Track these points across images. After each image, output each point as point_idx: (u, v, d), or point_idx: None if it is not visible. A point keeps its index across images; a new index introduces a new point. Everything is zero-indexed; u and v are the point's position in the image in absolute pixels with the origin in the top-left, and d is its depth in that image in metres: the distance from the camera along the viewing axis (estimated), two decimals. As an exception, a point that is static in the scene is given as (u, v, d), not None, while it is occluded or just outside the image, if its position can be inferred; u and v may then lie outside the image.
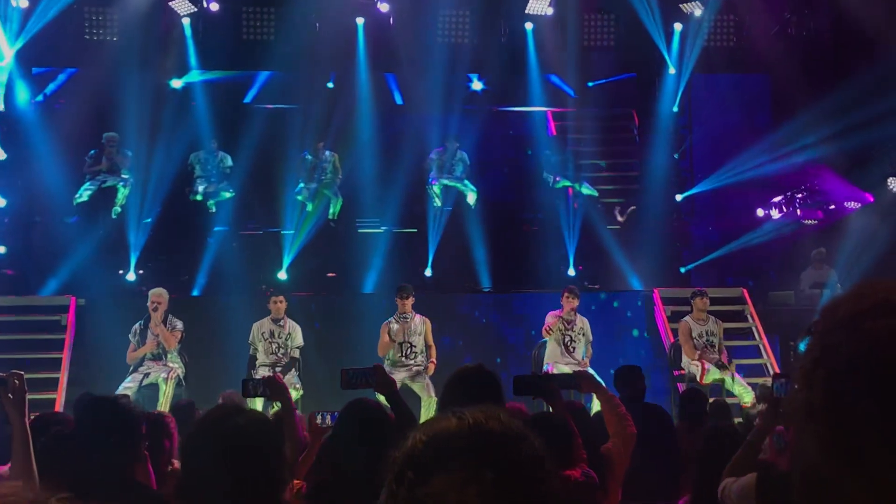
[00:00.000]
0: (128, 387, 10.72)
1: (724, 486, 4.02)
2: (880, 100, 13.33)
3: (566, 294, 11.92)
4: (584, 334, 11.88)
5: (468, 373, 4.08)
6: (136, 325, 11.29)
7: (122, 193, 13.84)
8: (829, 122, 14.05)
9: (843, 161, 14.85)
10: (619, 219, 15.25)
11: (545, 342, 11.94)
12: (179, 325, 11.32)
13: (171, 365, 11.15)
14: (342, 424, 4.30)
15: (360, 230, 14.86)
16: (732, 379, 11.58)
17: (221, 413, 2.88)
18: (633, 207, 15.33)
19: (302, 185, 14.28)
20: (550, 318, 11.85)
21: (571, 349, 11.78)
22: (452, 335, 12.65)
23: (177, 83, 14.98)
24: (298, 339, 11.66)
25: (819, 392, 1.29)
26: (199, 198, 14.21)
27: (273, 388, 5.19)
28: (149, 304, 11.24)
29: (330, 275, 14.59)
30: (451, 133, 14.53)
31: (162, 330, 11.11)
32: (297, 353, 11.63)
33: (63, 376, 12.02)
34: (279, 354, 11.54)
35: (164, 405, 10.56)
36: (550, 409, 5.50)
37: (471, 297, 14.27)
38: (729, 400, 10.88)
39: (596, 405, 7.75)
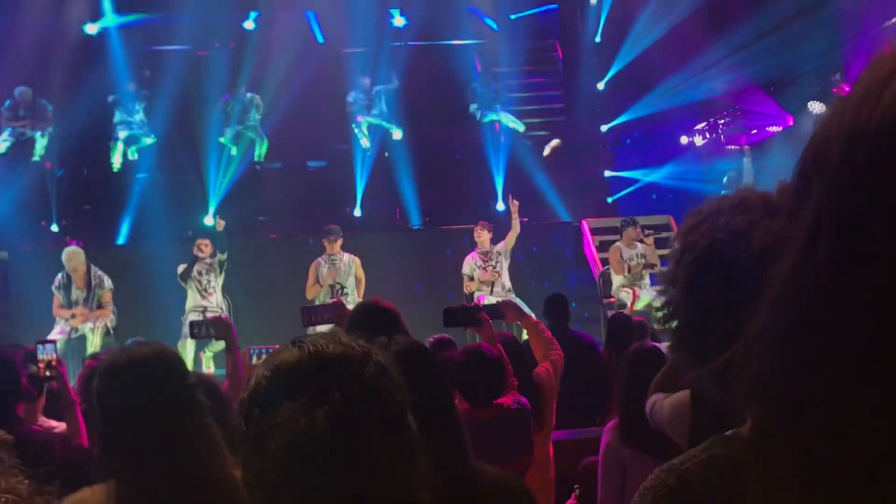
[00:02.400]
0: (55, 338, 10.56)
1: (654, 402, 4.05)
2: (804, 19, 13.46)
3: (477, 229, 12.04)
4: (503, 255, 11.99)
5: (362, 309, 4.11)
6: (59, 276, 11.10)
7: (41, 143, 13.52)
8: (750, 44, 14.15)
9: (768, 79, 15.01)
10: (546, 152, 15.28)
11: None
12: (108, 282, 11.16)
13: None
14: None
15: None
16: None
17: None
18: (557, 140, 15.37)
19: (226, 129, 14.01)
20: (466, 267, 11.95)
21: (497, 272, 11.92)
22: (383, 274, 12.63)
23: (91, 28, 14.58)
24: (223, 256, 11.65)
25: (681, 287, 1.33)
26: (120, 143, 13.93)
27: (219, 328, 5.21)
28: (67, 267, 11.03)
29: (261, 218, 14.49)
30: (368, 71, 14.44)
31: (96, 313, 10.94)
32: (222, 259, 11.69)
33: (-12, 330, 11.81)
34: (207, 294, 11.48)
35: (92, 355, 10.45)
36: (479, 339, 5.55)
37: (400, 235, 14.28)
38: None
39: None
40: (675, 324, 1.38)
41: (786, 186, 1.34)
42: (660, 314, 1.41)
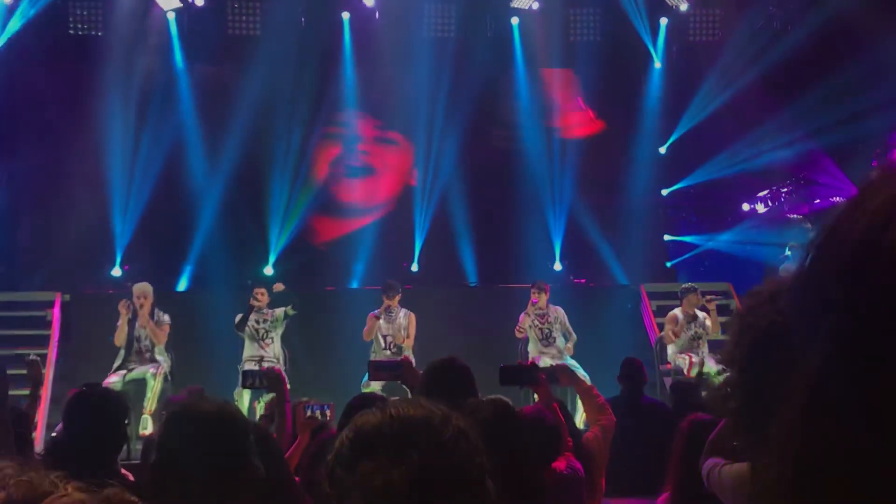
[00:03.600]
0: (112, 381, 10.67)
1: (713, 467, 3.97)
2: (866, 93, 13.40)
3: (532, 290, 12.04)
4: (559, 323, 11.98)
5: (438, 365, 4.10)
6: (124, 301, 11.26)
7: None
8: (814, 116, 14.10)
9: (834, 151, 14.91)
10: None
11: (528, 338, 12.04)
12: (166, 318, 11.29)
13: (158, 359, 11.12)
14: (345, 421, 4.32)
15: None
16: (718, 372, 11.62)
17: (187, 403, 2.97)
18: None
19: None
20: (522, 315, 11.98)
21: (551, 340, 11.90)
22: (439, 329, 12.63)
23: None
24: (281, 318, 11.67)
25: (737, 366, 1.33)
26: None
27: (271, 379, 5.23)
28: (134, 300, 11.19)
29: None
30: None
31: (151, 325, 11.07)
32: (284, 315, 11.66)
33: (49, 372, 11.95)
34: (265, 344, 11.53)
35: (151, 401, 10.54)
36: (536, 398, 5.53)
37: (456, 292, 14.32)
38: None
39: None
40: (732, 403, 1.37)
41: None
42: (717, 395, 1.41)
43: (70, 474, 1.55)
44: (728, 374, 1.37)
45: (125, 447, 5.93)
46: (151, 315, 11.18)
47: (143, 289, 11.28)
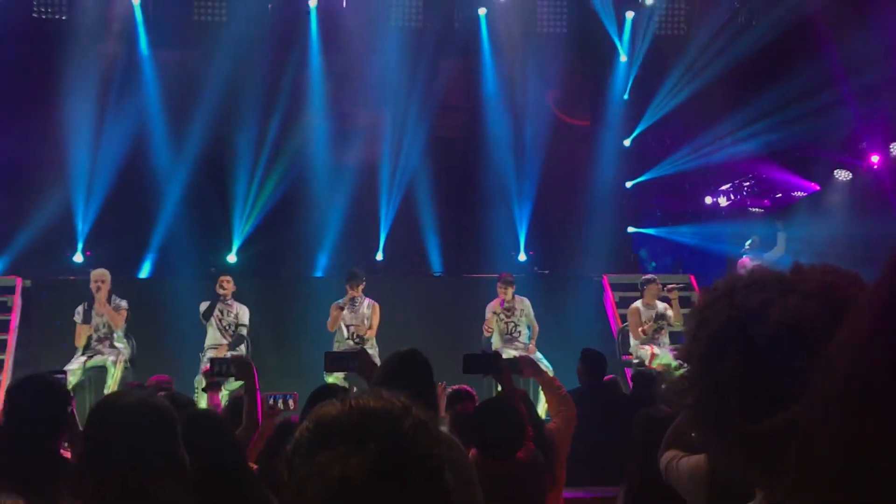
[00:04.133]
0: (72, 369, 10.62)
1: (671, 459, 4.03)
2: (824, 91, 13.57)
3: (499, 284, 12.03)
4: (525, 315, 12.01)
5: (397, 357, 4.14)
6: (80, 307, 11.17)
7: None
8: (776, 110, 14.26)
9: (789, 150, 15.08)
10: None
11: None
12: (124, 303, 11.24)
13: (117, 346, 11.07)
14: (307, 411, 4.33)
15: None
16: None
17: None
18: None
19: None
20: (489, 313, 11.96)
21: (516, 334, 11.91)
22: (403, 319, 12.66)
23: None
24: (245, 318, 11.64)
25: (694, 360, 1.37)
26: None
27: (240, 368, 5.24)
28: (91, 284, 11.14)
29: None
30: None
31: (107, 309, 11.02)
32: (244, 331, 11.61)
33: (8, 359, 11.89)
34: (227, 334, 11.52)
35: (112, 388, 10.49)
36: (499, 387, 5.58)
37: (421, 281, 14.36)
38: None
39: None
40: (689, 398, 1.41)
41: (799, 266, 1.40)
42: (675, 389, 1.45)
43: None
44: (685, 368, 1.41)
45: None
46: (108, 300, 11.13)
47: (100, 273, 11.23)
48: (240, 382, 6.47)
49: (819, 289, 1.34)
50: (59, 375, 4.92)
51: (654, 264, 15.77)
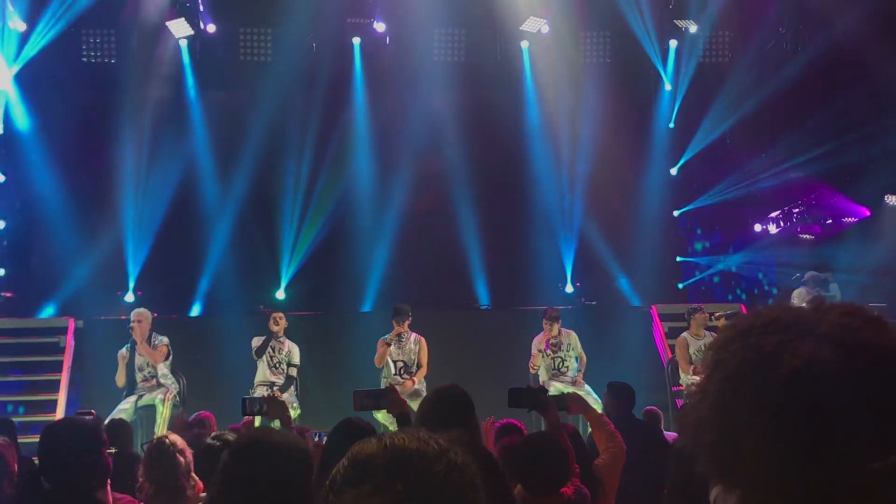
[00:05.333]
0: (123, 409, 10.71)
1: (718, 496, 3.98)
2: (874, 116, 13.41)
3: (545, 321, 11.89)
4: (572, 349, 11.89)
5: (440, 392, 4.13)
6: (123, 349, 11.24)
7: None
8: (824, 137, 14.12)
9: (839, 176, 14.91)
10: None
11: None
12: (164, 339, 11.30)
13: (164, 383, 11.14)
14: (331, 444, 4.33)
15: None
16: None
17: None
18: None
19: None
20: (535, 349, 11.85)
21: (563, 369, 11.80)
22: (449, 352, 12.64)
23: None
24: (296, 357, 11.66)
25: (709, 402, 1.35)
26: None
27: (273, 406, 5.25)
28: (133, 324, 11.20)
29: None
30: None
31: (145, 348, 11.08)
32: (294, 372, 11.62)
33: (62, 398, 12.04)
34: (277, 372, 11.54)
35: (161, 426, 10.56)
36: (544, 422, 5.54)
37: (468, 314, 14.34)
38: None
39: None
40: (705, 438, 1.39)
41: (819, 304, 1.37)
42: (692, 429, 1.42)
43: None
44: (699, 407, 1.39)
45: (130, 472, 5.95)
46: (149, 339, 11.20)
47: (138, 312, 11.32)
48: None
49: (835, 331, 1.32)
50: (87, 416, 4.94)
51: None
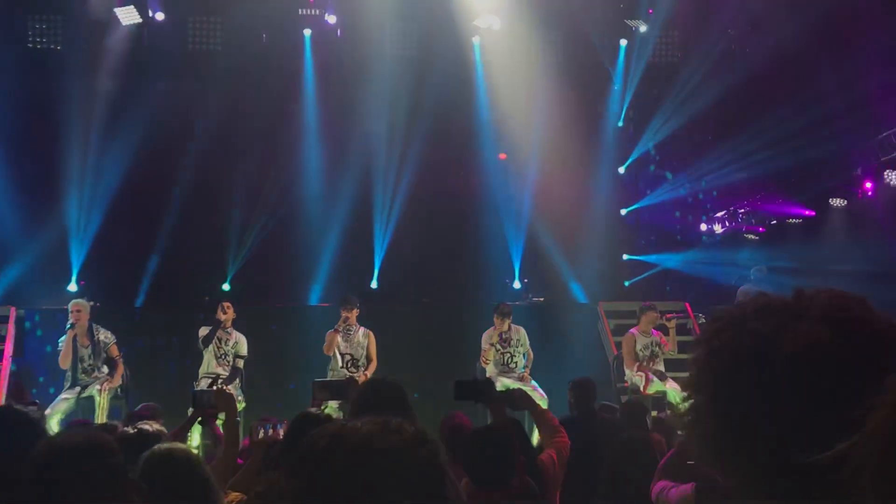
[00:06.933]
0: (65, 398, 10.59)
1: (662, 490, 4.06)
2: (819, 118, 13.60)
3: (496, 315, 11.94)
4: (521, 345, 11.95)
5: (369, 385, 4.14)
6: (65, 337, 11.11)
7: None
8: (770, 139, 14.29)
9: (784, 178, 15.11)
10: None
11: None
12: (111, 336, 11.17)
13: (102, 374, 11.00)
14: (290, 438, 4.32)
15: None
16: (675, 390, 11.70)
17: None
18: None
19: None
20: (486, 344, 11.89)
21: (512, 365, 11.85)
22: (397, 347, 12.63)
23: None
24: (243, 349, 11.55)
25: (706, 394, 1.34)
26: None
27: (221, 400, 5.23)
28: (71, 314, 11.07)
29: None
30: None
31: (113, 381, 10.94)
32: (241, 364, 11.52)
33: (1, 387, 11.85)
34: (223, 363, 11.42)
35: (100, 417, 10.43)
36: (489, 414, 5.55)
37: (416, 309, 14.33)
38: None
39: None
40: (700, 429, 1.38)
41: (802, 292, 1.38)
42: (684, 421, 1.42)
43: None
44: (694, 399, 1.39)
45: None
46: (89, 331, 11.06)
47: (78, 303, 11.19)
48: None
49: (828, 312, 1.33)
50: (31, 408, 4.87)
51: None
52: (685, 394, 1.42)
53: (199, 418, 5.61)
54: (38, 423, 3.98)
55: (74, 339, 10.99)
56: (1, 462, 3.69)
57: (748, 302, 1.39)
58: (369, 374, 11.33)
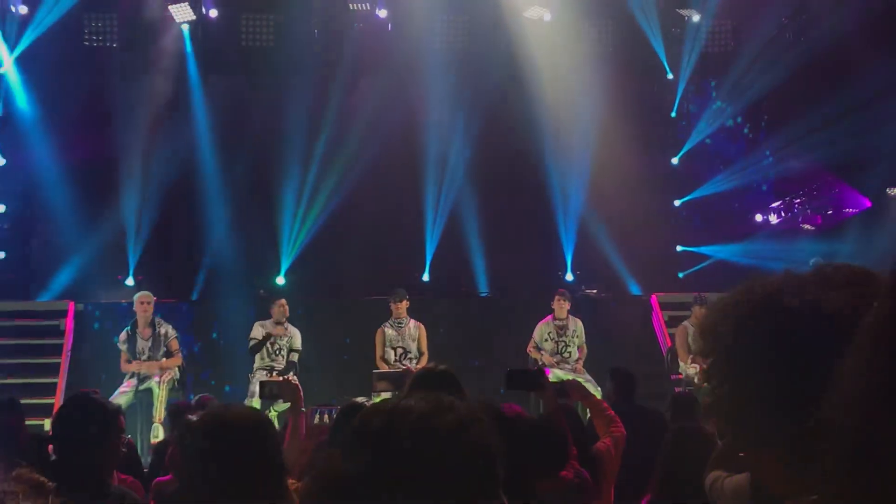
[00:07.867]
0: (124, 391, 10.74)
1: (715, 479, 4.00)
2: (877, 107, 13.36)
3: (558, 297, 11.94)
4: (577, 336, 11.93)
5: (421, 373, 4.14)
6: (124, 333, 11.28)
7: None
8: (826, 127, 14.07)
9: (841, 165, 14.87)
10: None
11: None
12: (172, 330, 11.32)
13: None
14: (337, 428, 4.34)
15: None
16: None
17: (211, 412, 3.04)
18: None
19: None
20: (537, 335, 11.87)
21: (566, 355, 11.83)
22: (449, 339, 12.64)
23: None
24: (297, 342, 11.64)
25: (723, 349, 1.33)
26: None
27: (286, 390, 5.28)
28: (136, 306, 11.24)
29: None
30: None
31: (166, 362, 11.09)
32: (295, 357, 11.61)
33: (61, 381, 12.06)
34: (277, 357, 11.51)
35: (158, 409, 10.57)
36: (542, 404, 5.53)
37: (467, 301, 14.34)
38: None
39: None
40: (718, 390, 1.37)
41: (824, 267, 1.36)
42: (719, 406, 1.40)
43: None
44: (711, 362, 1.37)
45: (134, 455, 5.96)
46: (151, 323, 11.22)
47: (146, 295, 11.38)
48: (287, 404, 6.50)
49: (851, 279, 1.34)
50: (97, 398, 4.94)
51: None
52: (716, 378, 1.38)
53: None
54: (116, 415, 4.04)
55: (135, 331, 11.16)
56: (77, 448, 3.76)
57: (776, 279, 1.37)
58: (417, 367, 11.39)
